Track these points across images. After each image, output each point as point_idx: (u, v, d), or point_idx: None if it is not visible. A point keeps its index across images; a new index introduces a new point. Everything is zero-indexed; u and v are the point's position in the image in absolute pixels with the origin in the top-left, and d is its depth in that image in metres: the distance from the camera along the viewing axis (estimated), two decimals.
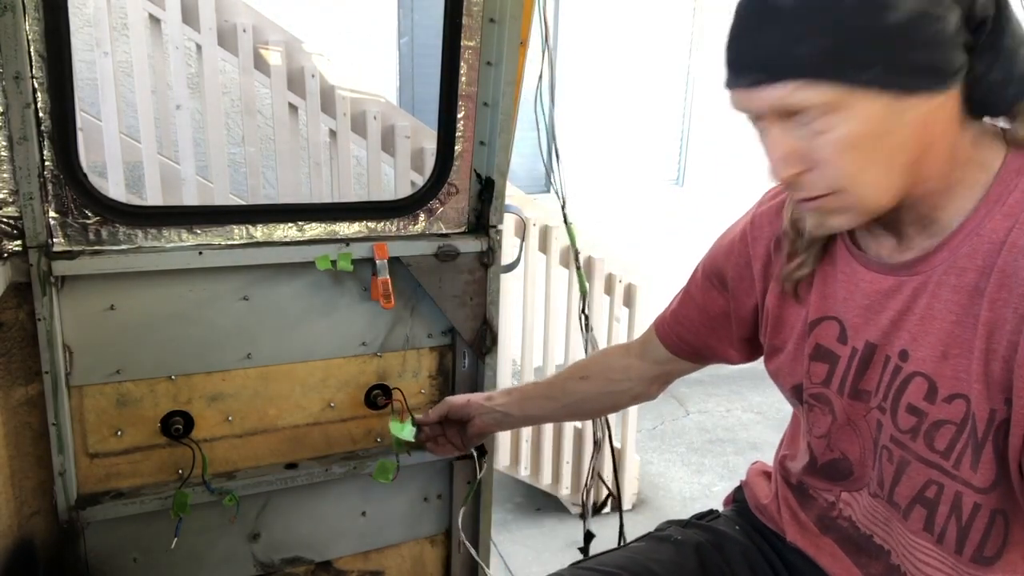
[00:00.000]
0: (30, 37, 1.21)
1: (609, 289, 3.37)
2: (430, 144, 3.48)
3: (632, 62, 5.47)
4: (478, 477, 1.67)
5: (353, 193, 3.66)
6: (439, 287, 1.60)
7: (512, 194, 2.49)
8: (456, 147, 1.57)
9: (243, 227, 1.46)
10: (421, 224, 1.60)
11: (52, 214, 1.31)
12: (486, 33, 1.50)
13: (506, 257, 1.80)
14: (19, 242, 1.29)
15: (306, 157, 3.48)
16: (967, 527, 0.89)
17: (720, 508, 1.33)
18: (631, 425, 3.61)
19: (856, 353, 0.97)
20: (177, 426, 1.46)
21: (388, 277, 1.52)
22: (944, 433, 0.88)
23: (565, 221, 1.92)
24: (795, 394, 1.08)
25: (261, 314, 1.50)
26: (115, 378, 1.41)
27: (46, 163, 1.28)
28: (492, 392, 1.48)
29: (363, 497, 1.68)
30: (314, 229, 1.52)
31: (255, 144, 3.47)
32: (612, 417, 2.02)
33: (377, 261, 1.51)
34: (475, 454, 1.66)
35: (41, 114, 1.26)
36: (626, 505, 3.61)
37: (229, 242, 1.45)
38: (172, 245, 1.41)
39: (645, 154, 5.78)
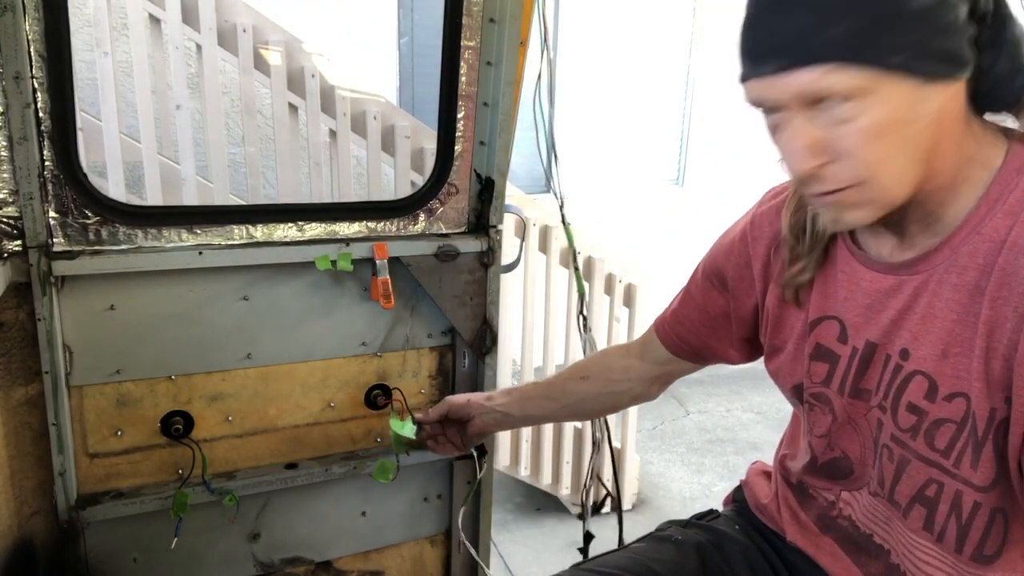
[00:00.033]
0: (30, 37, 1.21)
1: (609, 289, 3.37)
2: (430, 144, 3.48)
3: (632, 62, 5.47)
4: (478, 477, 1.67)
5: (353, 193, 3.66)
6: (439, 287, 1.60)
7: (512, 194, 2.49)
8: (456, 147, 1.57)
9: (243, 227, 1.46)
10: (421, 224, 1.60)
11: (52, 214, 1.31)
12: (486, 33, 1.50)
13: (506, 257, 1.80)
14: (19, 242, 1.29)
15: (306, 157, 3.48)
16: (967, 526, 0.89)
17: (720, 508, 1.33)
18: (631, 425, 3.61)
19: (856, 352, 0.97)
20: (177, 426, 1.46)
21: (388, 277, 1.52)
22: (944, 432, 0.88)
23: (563, 222, 1.92)
24: (795, 394, 1.08)
25: (261, 314, 1.50)
26: (115, 378, 1.41)
27: (46, 163, 1.28)
28: (492, 392, 1.47)
29: (363, 497, 1.68)
30: (314, 229, 1.52)
31: (255, 144, 3.47)
32: (612, 417, 2.02)
33: (377, 261, 1.51)
34: (475, 454, 1.66)
35: (41, 114, 1.26)
36: (626, 505, 3.61)
37: (229, 242, 1.45)
38: (172, 245, 1.41)
39: (645, 154, 5.78)
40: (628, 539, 1.36)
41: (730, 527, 1.24)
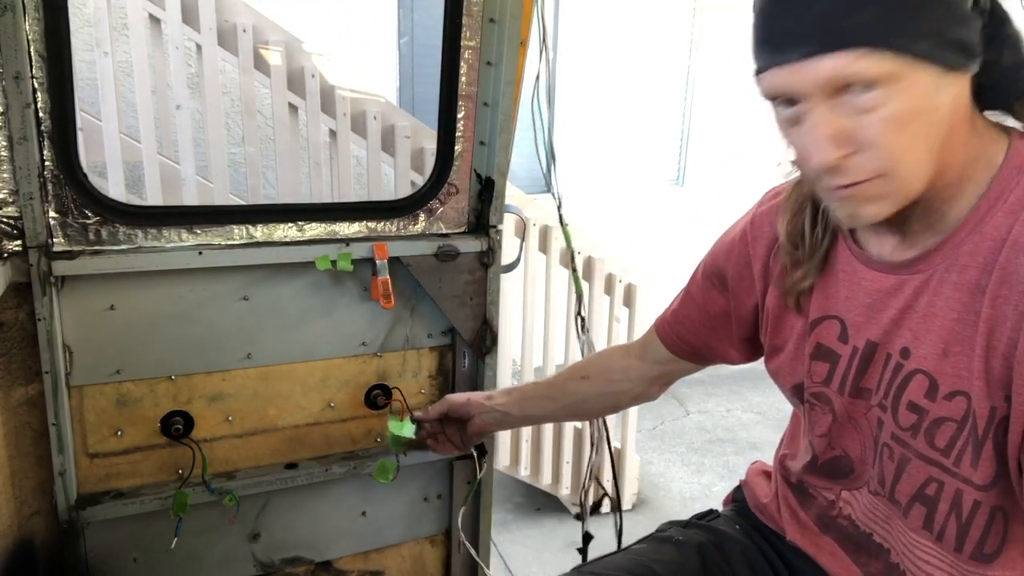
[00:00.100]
0: (30, 37, 1.21)
1: (609, 289, 3.37)
2: (430, 144, 3.48)
3: (632, 62, 5.46)
4: (478, 477, 1.67)
5: (353, 193, 3.66)
6: (439, 287, 1.60)
7: (512, 194, 2.49)
8: (456, 147, 1.57)
9: (243, 227, 1.46)
10: (421, 224, 1.60)
11: (52, 214, 1.31)
12: (486, 33, 1.50)
13: (506, 257, 1.80)
14: (19, 242, 1.29)
15: (306, 157, 3.48)
16: (967, 524, 0.89)
17: (720, 508, 1.33)
18: (631, 425, 3.61)
19: (857, 352, 0.97)
20: (177, 426, 1.46)
21: (388, 277, 1.52)
22: (944, 430, 0.88)
23: (561, 222, 1.92)
24: (796, 393, 1.08)
25: (261, 314, 1.50)
26: (115, 378, 1.41)
27: (46, 163, 1.28)
28: (492, 391, 1.47)
29: (363, 497, 1.68)
30: (314, 229, 1.52)
31: (255, 144, 3.47)
32: (612, 417, 2.02)
33: (377, 261, 1.51)
34: (475, 454, 1.66)
35: (41, 114, 1.26)
36: (626, 505, 3.61)
37: (229, 242, 1.45)
38: (172, 245, 1.41)
39: (645, 154, 5.78)
40: (628, 539, 1.36)
41: (730, 527, 1.24)
